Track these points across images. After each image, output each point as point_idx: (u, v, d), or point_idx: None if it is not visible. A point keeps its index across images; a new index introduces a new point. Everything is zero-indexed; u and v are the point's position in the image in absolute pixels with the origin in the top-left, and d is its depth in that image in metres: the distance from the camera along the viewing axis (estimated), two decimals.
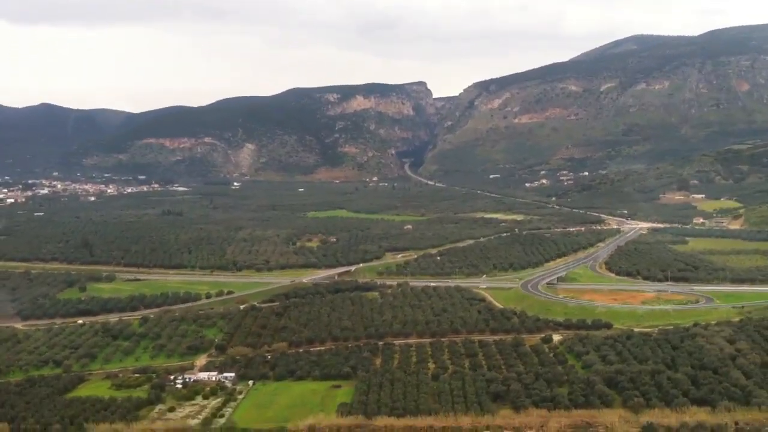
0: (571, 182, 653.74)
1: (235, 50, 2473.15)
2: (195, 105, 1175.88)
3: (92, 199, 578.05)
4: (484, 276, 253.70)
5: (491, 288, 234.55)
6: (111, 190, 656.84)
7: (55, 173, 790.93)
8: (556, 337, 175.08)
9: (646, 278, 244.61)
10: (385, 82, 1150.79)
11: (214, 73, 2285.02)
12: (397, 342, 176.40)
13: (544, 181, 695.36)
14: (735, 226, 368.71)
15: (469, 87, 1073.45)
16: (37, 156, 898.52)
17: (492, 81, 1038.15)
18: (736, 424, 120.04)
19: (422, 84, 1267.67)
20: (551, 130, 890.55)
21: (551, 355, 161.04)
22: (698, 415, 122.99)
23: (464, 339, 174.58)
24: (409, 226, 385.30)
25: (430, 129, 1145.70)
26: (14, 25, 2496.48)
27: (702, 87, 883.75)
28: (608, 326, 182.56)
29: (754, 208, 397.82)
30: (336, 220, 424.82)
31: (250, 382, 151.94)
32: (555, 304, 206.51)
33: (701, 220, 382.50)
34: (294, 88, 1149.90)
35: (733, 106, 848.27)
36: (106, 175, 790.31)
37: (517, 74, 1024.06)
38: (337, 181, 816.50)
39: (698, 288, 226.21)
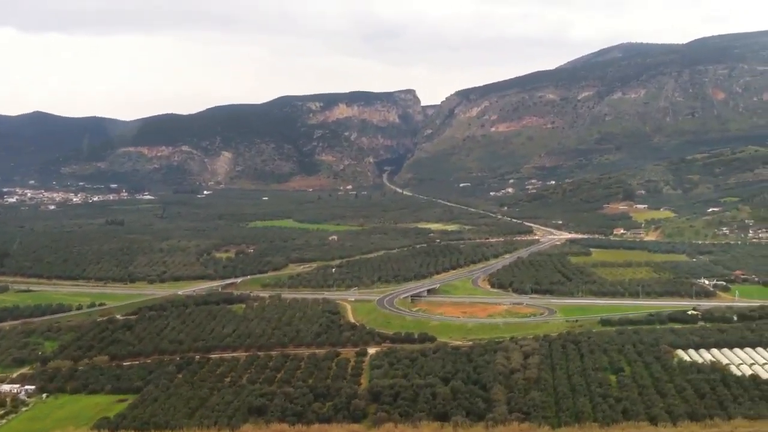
0: (535, 191, 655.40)
1: (238, 59, 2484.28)
2: (186, 113, 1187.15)
3: (52, 207, 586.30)
4: (355, 289, 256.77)
5: (358, 300, 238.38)
6: (77, 199, 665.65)
7: (32, 181, 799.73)
8: (372, 351, 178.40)
9: (515, 291, 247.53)
10: (371, 90, 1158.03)
11: (216, 81, 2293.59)
12: (218, 355, 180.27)
13: (509, 189, 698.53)
14: (651, 237, 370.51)
15: (451, 95, 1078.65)
16: (21, 164, 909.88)
17: (473, 89, 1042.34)
18: None
19: (410, 92, 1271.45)
20: (527, 139, 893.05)
21: (349, 369, 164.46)
22: (430, 427, 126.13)
23: (280, 353, 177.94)
24: (334, 237, 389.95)
25: (416, 137, 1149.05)
26: (15, 33, 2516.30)
27: (678, 95, 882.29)
28: (432, 340, 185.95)
29: (681, 219, 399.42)
30: (269, 230, 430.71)
31: (44, 395, 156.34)
32: (395, 317, 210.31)
33: (621, 231, 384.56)
34: (282, 96, 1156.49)
35: (707, 115, 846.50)
36: (81, 183, 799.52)
37: (497, 83, 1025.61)
38: (310, 190, 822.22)
39: (556, 301, 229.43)
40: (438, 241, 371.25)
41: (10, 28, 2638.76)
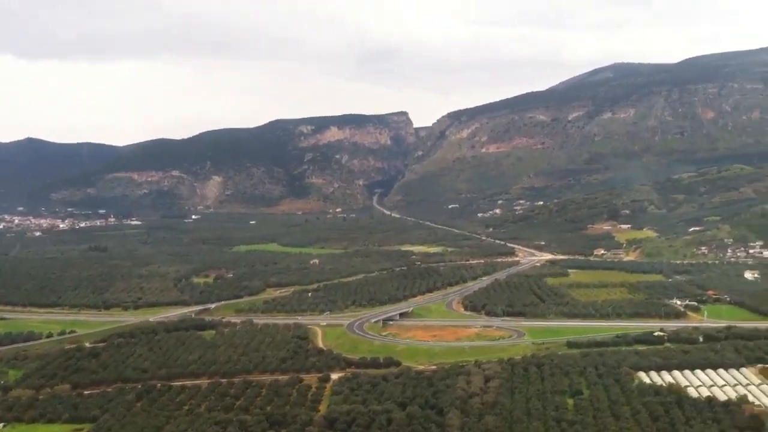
0: (522, 212, 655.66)
1: (234, 83, 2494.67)
2: (179, 138, 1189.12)
3: (38, 234, 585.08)
4: (327, 313, 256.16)
5: (329, 325, 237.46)
6: (64, 225, 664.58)
7: (20, 208, 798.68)
8: (336, 376, 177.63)
9: (488, 314, 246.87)
10: (363, 113, 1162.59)
11: (210, 106, 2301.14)
12: (180, 383, 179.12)
13: (497, 210, 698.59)
14: (631, 257, 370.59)
15: (442, 117, 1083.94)
16: (11, 191, 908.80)
17: (464, 111, 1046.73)
18: None
19: (403, 114, 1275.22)
20: (516, 160, 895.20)
21: (310, 395, 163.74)
22: None
23: (243, 379, 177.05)
24: (316, 261, 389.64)
25: (407, 159, 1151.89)
26: (13, 60, 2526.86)
27: (667, 115, 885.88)
28: (397, 364, 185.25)
29: (662, 239, 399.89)
30: (251, 255, 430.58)
31: (1, 425, 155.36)
32: (363, 342, 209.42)
33: (601, 252, 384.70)
34: (275, 120, 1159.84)
35: (697, 134, 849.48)
36: (69, 209, 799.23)
37: (487, 104, 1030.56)
38: (300, 213, 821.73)
39: (527, 323, 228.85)
40: (418, 263, 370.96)
41: (9, 55, 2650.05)
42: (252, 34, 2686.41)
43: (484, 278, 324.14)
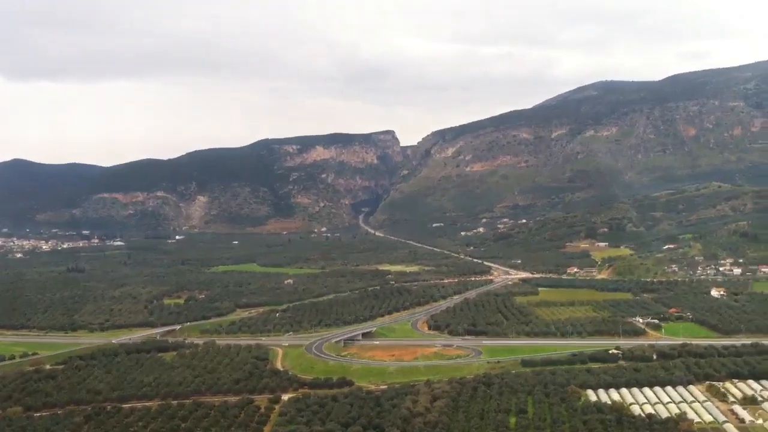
0: (505, 230, 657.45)
1: (223, 103, 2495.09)
2: (166, 158, 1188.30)
3: (19, 255, 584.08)
4: (290, 333, 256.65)
5: (291, 345, 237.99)
6: (46, 246, 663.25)
7: (5, 229, 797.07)
8: (287, 397, 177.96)
9: (450, 333, 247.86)
10: (351, 132, 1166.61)
11: (198, 126, 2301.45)
12: (131, 405, 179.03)
13: (480, 229, 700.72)
14: (603, 275, 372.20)
15: (427, 136, 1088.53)
16: None
17: (449, 130, 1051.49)
18: None
19: (390, 132, 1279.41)
20: (501, 178, 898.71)
21: (257, 417, 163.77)
22: None
23: (193, 401, 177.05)
24: (290, 281, 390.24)
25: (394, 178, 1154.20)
26: (2, 81, 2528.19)
27: (649, 132, 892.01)
28: (350, 384, 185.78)
29: (634, 257, 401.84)
30: (228, 275, 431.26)
31: None
32: (319, 362, 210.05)
33: (574, 270, 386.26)
34: (262, 140, 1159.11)
35: (678, 151, 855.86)
36: (54, 230, 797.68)
37: (472, 123, 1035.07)
38: (285, 233, 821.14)
39: (487, 342, 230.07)
40: (392, 283, 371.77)
41: None
42: (243, 55, 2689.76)
43: (455, 297, 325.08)
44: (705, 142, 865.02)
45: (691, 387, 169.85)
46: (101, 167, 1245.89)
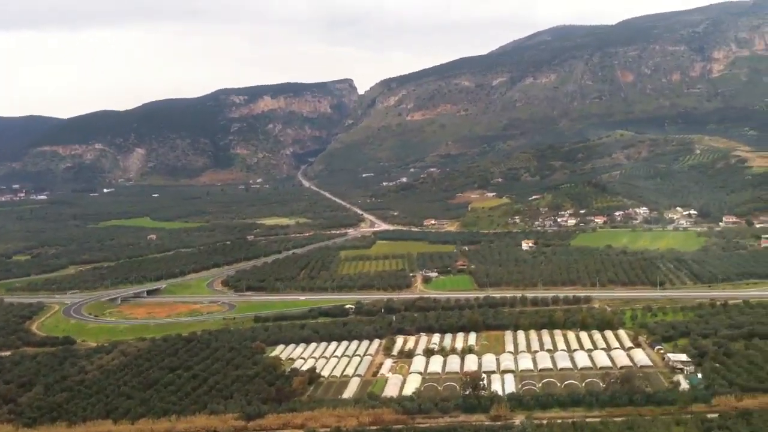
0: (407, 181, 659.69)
1: (199, 51, 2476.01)
2: (124, 109, 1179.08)
3: None
4: (74, 291, 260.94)
5: (68, 304, 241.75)
6: None
7: None
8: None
9: (235, 290, 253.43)
10: (304, 81, 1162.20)
11: (170, 76, 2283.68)
12: None
13: (404, 179, 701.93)
14: (451, 228, 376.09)
15: (374, 85, 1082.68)
16: None
17: (394, 78, 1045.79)
18: None
19: (347, 81, 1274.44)
20: (439, 127, 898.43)
21: None
22: None
23: None
24: (153, 236, 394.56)
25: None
26: None
27: (587, 79, 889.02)
28: (71, 343, 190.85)
29: (503, 207, 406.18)
30: (103, 230, 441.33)
31: None
32: (64, 321, 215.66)
33: (431, 222, 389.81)
34: (218, 90, 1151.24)
35: (614, 98, 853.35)
36: None
37: (417, 72, 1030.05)
38: (219, 184, 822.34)
39: (256, 298, 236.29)
40: (251, 237, 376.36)
41: None
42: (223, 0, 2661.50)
43: (291, 252, 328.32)
44: (642, 88, 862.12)
45: (376, 341, 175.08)
46: (57, 119, 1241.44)
